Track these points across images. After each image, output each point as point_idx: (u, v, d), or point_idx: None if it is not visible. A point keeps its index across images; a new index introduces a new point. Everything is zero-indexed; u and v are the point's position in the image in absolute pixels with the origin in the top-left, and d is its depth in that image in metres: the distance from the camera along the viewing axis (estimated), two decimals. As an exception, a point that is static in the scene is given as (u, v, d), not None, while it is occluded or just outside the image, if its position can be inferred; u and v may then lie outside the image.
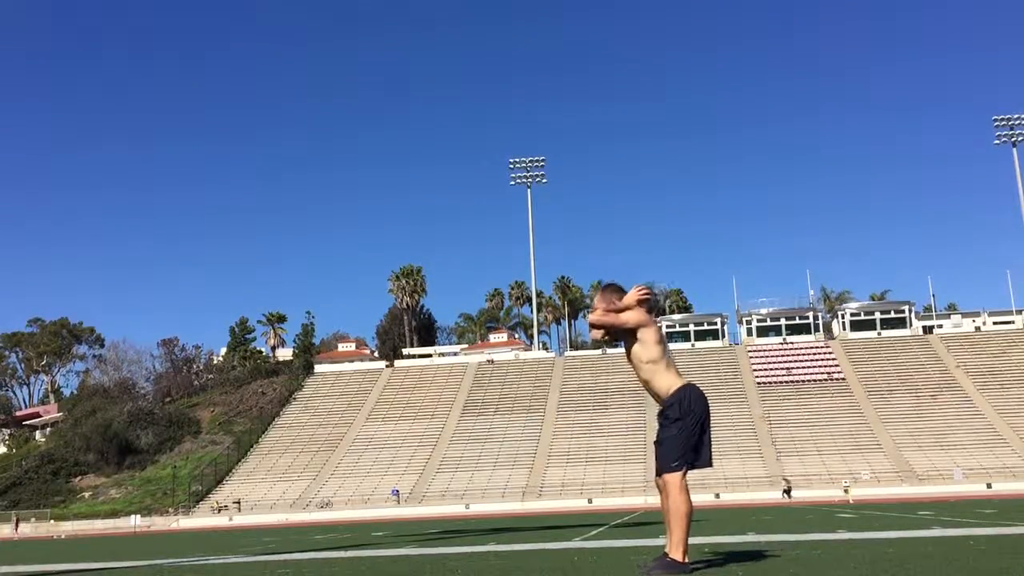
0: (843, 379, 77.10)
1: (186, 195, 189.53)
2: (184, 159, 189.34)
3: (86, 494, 76.53)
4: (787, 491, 55.72)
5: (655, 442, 6.35)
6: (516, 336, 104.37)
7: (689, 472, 6.29)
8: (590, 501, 59.90)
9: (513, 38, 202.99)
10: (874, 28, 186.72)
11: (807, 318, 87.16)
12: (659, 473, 6.22)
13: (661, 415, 6.29)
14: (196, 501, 69.43)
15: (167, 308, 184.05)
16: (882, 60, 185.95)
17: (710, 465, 6.28)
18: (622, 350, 6.60)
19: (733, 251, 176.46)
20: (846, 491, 50.68)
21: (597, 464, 67.09)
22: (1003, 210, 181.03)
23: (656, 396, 6.35)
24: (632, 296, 6.37)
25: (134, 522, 59.23)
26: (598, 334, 6.59)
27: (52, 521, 67.53)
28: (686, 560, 6.10)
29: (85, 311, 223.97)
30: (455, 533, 18.28)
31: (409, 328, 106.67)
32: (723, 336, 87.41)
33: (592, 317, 6.41)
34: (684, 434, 6.15)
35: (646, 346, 6.30)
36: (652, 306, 6.41)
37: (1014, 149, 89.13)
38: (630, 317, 6.30)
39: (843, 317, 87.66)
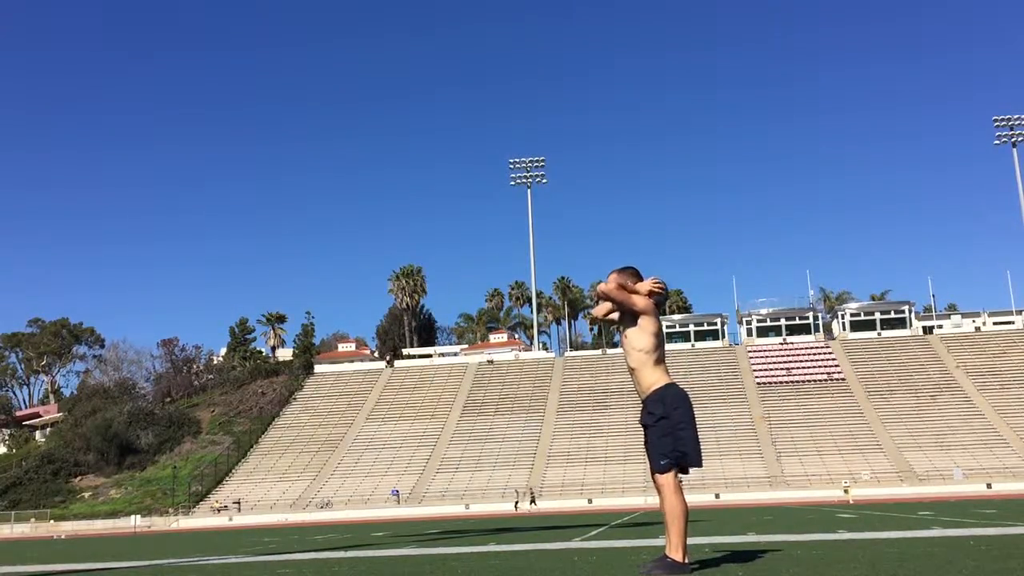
0: (843, 379, 77.07)
1: (186, 195, 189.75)
2: (184, 159, 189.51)
3: (86, 494, 76.51)
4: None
5: (644, 444, 6.38)
6: (516, 336, 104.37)
7: (685, 471, 6.30)
8: (590, 501, 59.89)
9: (513, 38, 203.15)
10: (874, 28, 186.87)
11: (807, 318, 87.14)
12: (652, 474, 6.27)
13: (644, 412, 6.32)
14: (196, 501, 69.44)
15: (167, 308, 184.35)
16: (882, 60, 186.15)
17: (699, 464, 6.26)
18: (622, 350, 6.60)
19: (733, 251, 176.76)
20: (846, 491, 50.59)
21: (597, 464, 67.07)
22: (1003, 210, 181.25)
23: (639, 388, 6.38)
24: (646, 285, 6.40)
25: (134, 522, 59.23)
26: (603, 309, 6.59)
27: (52, 521, 67.50)
28: (686, 560, 6.10)
29: (85, 311, 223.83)
30: (455, 533, 18.28)
31: (409, 328, 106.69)
32: (723, 336, 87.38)
33: (605, 287, 6.39)
34: (669, 433, 6.17)
35: (643, 334, 6.32)
36: (660, 302, 6.42)
37: (1014, 149, 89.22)
38: (639, 300, 6.33)
39: (843, 317, 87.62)
